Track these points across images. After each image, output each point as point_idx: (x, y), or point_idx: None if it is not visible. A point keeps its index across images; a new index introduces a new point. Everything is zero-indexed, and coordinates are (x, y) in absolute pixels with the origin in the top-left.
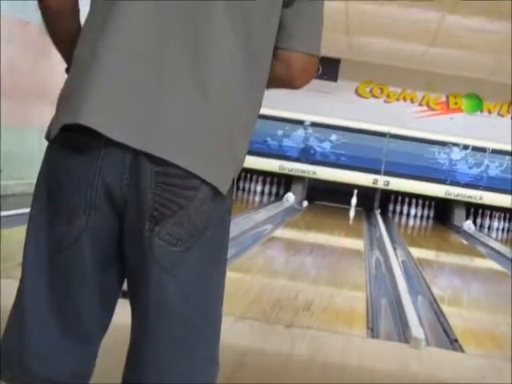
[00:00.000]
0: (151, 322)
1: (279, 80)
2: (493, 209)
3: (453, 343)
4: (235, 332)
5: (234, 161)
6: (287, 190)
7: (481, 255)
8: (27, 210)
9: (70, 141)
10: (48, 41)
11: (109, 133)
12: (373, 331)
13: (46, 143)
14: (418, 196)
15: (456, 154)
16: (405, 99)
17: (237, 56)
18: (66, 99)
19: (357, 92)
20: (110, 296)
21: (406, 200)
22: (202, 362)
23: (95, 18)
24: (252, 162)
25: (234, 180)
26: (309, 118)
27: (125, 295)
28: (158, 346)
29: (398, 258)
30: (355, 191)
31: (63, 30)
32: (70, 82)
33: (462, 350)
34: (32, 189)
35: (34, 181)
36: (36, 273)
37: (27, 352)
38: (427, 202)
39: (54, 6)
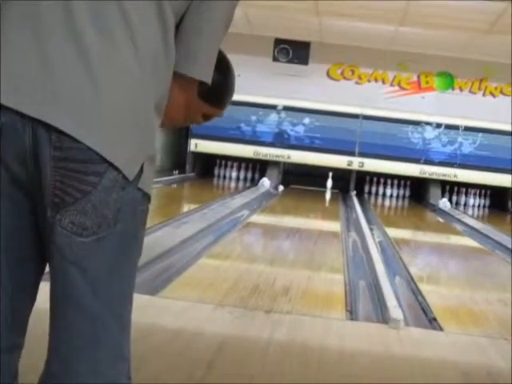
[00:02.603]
0: (58, 314)
1: None
2: (468, 186)
3: (431, 322)
4: (214, 319)
5: (142, 142)
6: (262, 175)
7: (457, 232)
8: None
9: None
10: None
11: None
12: (351, 313)
13: None
14: (393, 176)
15: (429, 132)
16: (376, 80)
17: (153, 25)
18: None
19: (328, 74)
20: (29, 288)
21: (382, 180)
22: (110, 358)
23: None
24: (226, 148)
25: (142, 166)
26: (281, 102)
27: None
28: (65, 340)
29: (374, 239)
30: (330, 174)
31: None
32: None
33: (441, 329)
34: None
35: None
36: None
37: None
38: (402, 182)
39: None
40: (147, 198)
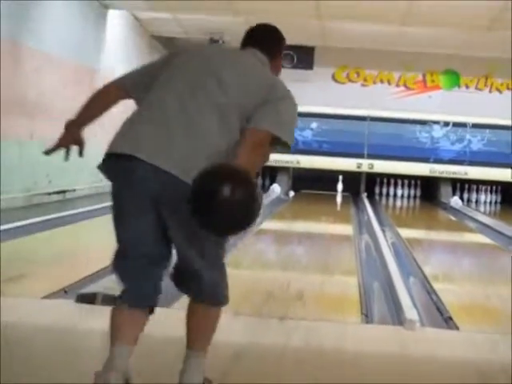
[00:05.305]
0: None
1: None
2: (478, 182)
3: (447, 321)
4: (229, 329)
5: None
6: (272, 181)
7: (470, 230)
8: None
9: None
10: (20, 54)
11: (136, 153)
12: (367, 316)
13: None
14: (403, 176)
15: (437, 131)
16: (382, 81)
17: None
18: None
19: (333, 78)
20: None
21: (392, 181)
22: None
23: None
24: None
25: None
26: None
27: None
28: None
29: (387, 240)
30: (340, 177)
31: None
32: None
33: (457, 327)
34: (15, 203)
35: (16, 194)
36: None
37: None
38: (413, 182)
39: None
40: None
